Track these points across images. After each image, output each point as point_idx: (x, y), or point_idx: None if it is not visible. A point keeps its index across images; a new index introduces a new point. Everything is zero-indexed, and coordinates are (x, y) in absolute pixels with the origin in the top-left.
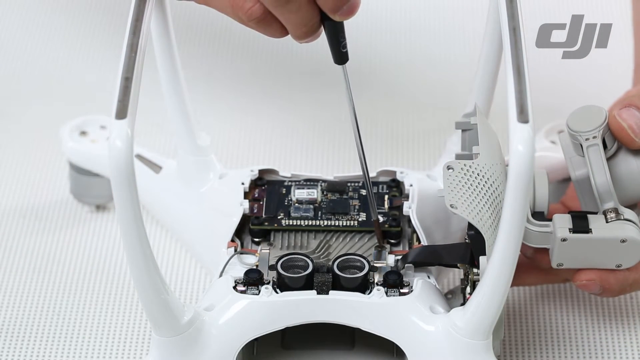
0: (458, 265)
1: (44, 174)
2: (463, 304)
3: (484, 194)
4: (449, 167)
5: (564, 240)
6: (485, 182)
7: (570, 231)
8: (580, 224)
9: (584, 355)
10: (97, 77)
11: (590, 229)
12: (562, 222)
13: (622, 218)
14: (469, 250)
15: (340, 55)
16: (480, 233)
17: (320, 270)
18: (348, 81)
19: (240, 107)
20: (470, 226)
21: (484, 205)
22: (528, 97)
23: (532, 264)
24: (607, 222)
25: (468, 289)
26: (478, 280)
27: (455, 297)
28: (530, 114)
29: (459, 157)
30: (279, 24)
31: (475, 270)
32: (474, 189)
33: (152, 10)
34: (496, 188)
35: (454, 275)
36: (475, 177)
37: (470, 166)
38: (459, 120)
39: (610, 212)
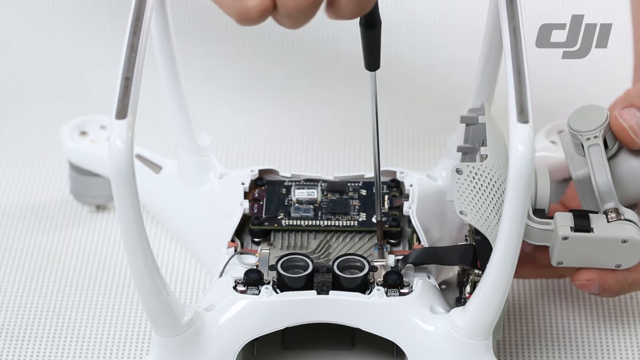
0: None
1: (44, 174)
2: (459, 296)
3: (491, 199)
4: (457, 171)
5: (565, 238)
6: (493, 185)
7: (571, 230)
8: (582, 222)
9: (584, 355)
10: (97, 77)
11: (592, 228)
12: (563, 221)
13: (623, 218)
14: (470, 251)
15: (377, 61)
16: (487, 239)
17: (320, 270)
18: (375, 86)
19: (240, 107)
20: (478, 231)
21: (491, 211)
22: (528, 97)
23: (528, 258)
24: (608, 222)
25: (468, 289)
26: (478, 281)
27: (450, 288)
28: (530, 114)
29: (460, 149)
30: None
31: (476, 270)
32: (482, 194)
33: (152, 10)
34: (502, 192)
35: (454, 275)
36: (484, 181)
37: (478, 169)
38: (464, 114)
39: (611, 212)
